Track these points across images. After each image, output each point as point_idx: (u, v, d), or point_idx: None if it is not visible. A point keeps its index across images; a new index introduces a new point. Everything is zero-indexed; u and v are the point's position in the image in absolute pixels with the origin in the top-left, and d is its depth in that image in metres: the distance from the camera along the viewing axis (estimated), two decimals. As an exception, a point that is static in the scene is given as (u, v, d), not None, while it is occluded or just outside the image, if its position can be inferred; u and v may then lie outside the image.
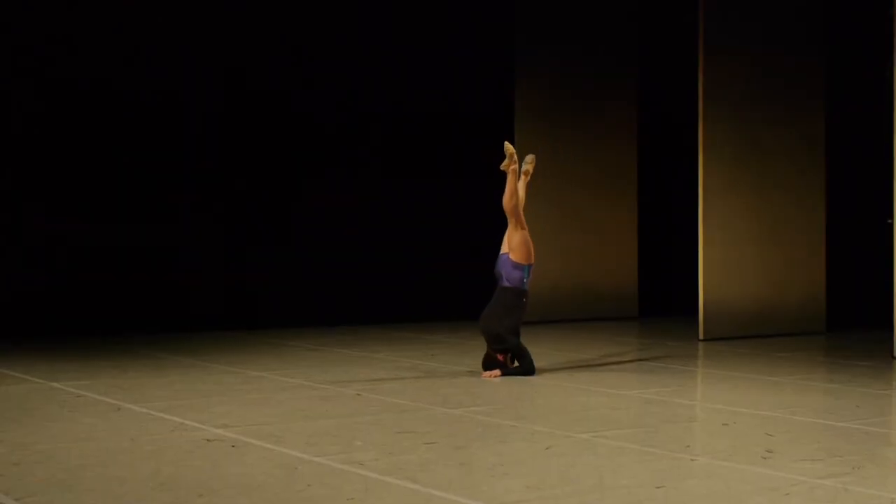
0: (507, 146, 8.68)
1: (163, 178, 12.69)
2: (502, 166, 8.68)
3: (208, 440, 5.99)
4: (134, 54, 12.55)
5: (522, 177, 8.97)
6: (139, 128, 12.61)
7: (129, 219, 12.52)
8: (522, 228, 8.70)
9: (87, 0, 12.27)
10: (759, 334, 11.72)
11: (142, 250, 12.58)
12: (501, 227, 13.78)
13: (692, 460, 5.54)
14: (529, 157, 9.08)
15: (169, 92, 12.74)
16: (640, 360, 10.21)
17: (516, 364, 8.69)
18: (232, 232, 13.06)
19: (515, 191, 8.68)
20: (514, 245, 8.71)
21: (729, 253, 11.62)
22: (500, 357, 8.69)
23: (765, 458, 5.55)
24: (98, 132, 12.37)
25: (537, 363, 8.80)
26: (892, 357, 9.87)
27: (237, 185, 13.10)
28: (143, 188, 12.58)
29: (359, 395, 7.68)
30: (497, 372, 8.61)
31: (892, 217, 10.11)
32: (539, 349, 10.88)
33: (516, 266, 8.70)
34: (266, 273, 13.17)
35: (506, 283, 8.72)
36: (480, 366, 8.82)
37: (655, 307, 14.38)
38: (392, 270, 13.91)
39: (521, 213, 8.73)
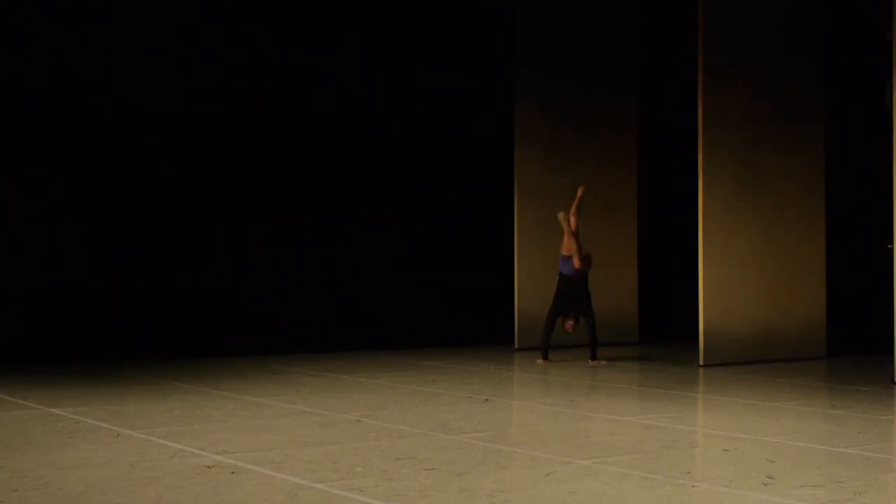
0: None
1: (160, 207, 12.71)
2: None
3: (208, 466, 5.97)
4: (147, 69, 12.61)
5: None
6: (137, 142, 12.64)
7: (130, 245, 12.52)
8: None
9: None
10: (760, 360, 11.71)
11: (142, 277, 12.58)
12: (500, 254, 13.89)
13: (693, 486, 5.53)
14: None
15: (164, 102, 12.74)
16: (641, 385, 10.19)
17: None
18: (233, 259, 13.07)
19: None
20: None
21: (729, 278, 11.62)
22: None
23: (766, 484, 5.53)
24: (96, 145, 12.41)
25: (536, 391, 8.79)
26: (893, 382, 9.85)
27: (236, 213, 13.11)
28: (142, 212, 12.59)
29: (359, 421, 7.66)
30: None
31: (892, 242, 10.12)
32: (538, 376, 10.87)
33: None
34: (266, 300, 13.17)
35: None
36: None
37: (656, 333, 14.37)
38: (392, 297, 13.91)
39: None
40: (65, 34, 12.24)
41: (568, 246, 11.73)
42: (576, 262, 11.59)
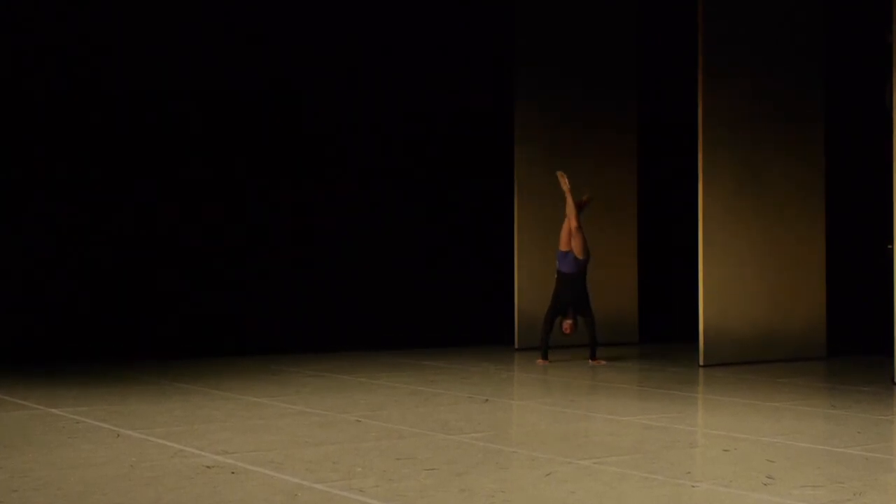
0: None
1: (159, 206, 12.70)
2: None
3: (208, 467, 5.97)
4: (147, 70, 12.60)
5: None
6: (136, 142, 12.64)
7: (131, 245, 12.52)
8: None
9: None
10: (760, 360, 11.71)
11: (142, 277, 12.58)
12: (500, 254, 13.90)
13: (693, 486, 5.53)
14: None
15: (161, 103, 12.73)
16: (641, 385, 10.20)
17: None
18: (233, 259, 13.06)
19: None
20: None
21: (729, 279, 11.62)
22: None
23: (766, 485, 5.53)
24: (95, 145, 12.40)
25: (536, 391, 8.78)
26: (893, 383, 9.85)
27: (236, 213, 13.11)
28: (141, 212, 12.59)
29: (359, 421, 7.66)
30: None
31: (892, 242, 10.12)
32: (538, 376, 10.87)
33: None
34: (265, 300, 13.17)
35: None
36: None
37: (656, 333, 14.37)
38: (392, 297, 13.91)
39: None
40: (64, 35, 12.24)
41: (566, 241, 11.72)
42: (575, 226, 11.64)
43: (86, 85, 12.35)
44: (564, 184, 11.88)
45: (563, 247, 11.77)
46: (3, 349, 11.56)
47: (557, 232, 11.99)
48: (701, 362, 11.34)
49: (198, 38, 12.90)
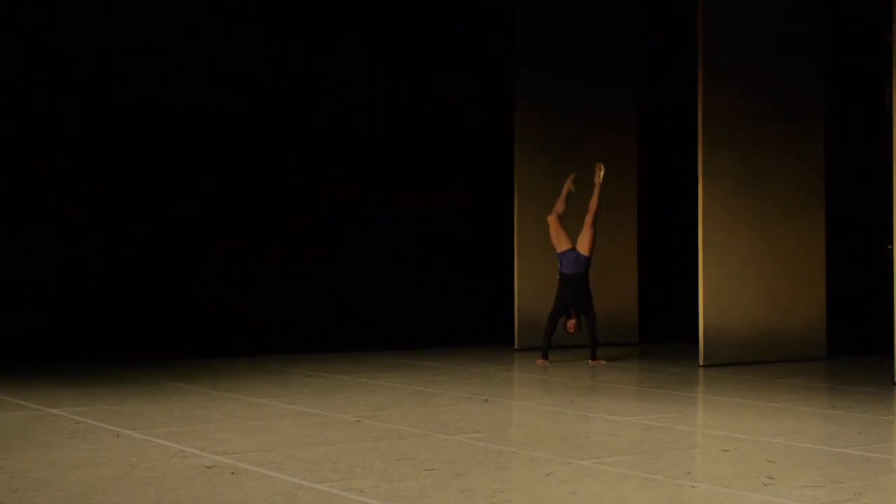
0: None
1: (159, 206, 12.70)
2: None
3: (208, 467, 5.97)
4: (147, 70, 12.60)
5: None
6: (137, 142, 12.63)
7: (131, 245, 12.52)
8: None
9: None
10: (760, 360, 11.71)
11: (142, 277, 12.57)
12: (500, 254, 13.89)
13: (693, 487, 5.53)
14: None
15: (161, 102, 12.72)
16: (641, 385, 10.19)
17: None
18: (232, 259, 13.06)
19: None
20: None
21: (729, 279, 11.62)
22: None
23: (765, 485, 5.53)
24: (95, 145, 12.39)
25: (536, 391, 8.78)
26: (893, 383, 9.85)
27: (236, 213, 13.10)
28: (142, 212, 12.59)
29: (359, 421, 7.66)
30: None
31: (892, 242, 10.12)
32: (538, 376, 10.87)
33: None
34: (265, 300, 13.17)
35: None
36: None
37: (656, 333, 14.37)
38: (392, 297, 13.91)
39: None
40: (65, 36, 12.23)
41: (560, 240, 11.72)
42: (590, 222, 11.78)
43: (83, 84, 12.35)
44: (599, 177, 11.95)
45: (560, 247, 11.76)
46: (3, 349, 11.56)
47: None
48: (701, 362, 11.34)
49: (197, 38, 12.90)
